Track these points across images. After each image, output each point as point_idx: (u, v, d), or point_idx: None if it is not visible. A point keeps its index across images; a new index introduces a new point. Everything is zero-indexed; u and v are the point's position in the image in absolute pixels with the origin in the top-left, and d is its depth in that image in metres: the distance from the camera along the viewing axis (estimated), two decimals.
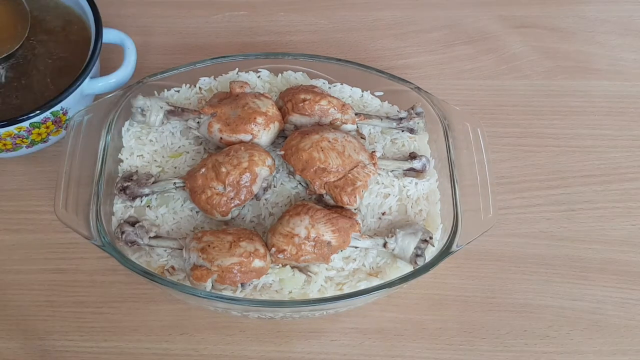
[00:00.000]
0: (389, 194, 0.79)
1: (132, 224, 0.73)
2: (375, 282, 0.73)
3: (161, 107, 0.80)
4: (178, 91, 0.86)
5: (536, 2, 1.13)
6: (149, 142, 0.82)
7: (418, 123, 0.83)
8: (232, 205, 0.73)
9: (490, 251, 0.86)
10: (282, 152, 0.76)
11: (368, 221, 0.77)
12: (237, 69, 0.87)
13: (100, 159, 0.76)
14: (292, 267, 0.73)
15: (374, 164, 0.76)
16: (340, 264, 0.74)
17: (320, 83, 0.87)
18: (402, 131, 0.84)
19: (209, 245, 0.70)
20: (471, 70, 1.04)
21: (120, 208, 0.77)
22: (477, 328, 0.81)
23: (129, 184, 0.76)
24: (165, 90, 0.86)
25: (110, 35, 0.87)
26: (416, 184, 0.80)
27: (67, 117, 0.84)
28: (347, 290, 0.73)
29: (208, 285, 0.70)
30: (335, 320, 0.81)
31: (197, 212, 0.77)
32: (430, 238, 0.74)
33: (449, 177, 0.77)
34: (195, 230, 0.75)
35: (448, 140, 0.80)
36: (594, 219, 0.89)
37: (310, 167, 0.74)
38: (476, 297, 0.83)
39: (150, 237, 0.73)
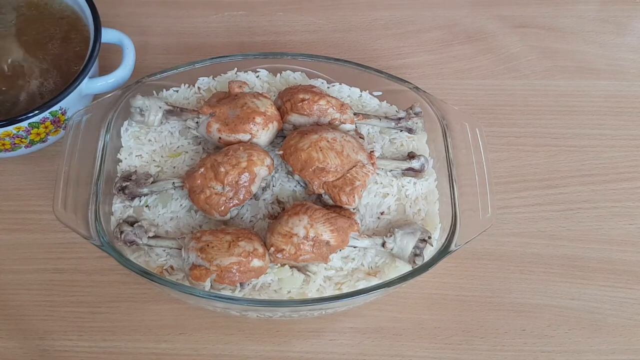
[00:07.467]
0: (388, 194, 0.79)
1: (131, 224, 0.73)
2: (374, 281, 0.73)
3: (160, 107, 0.80)
4: (177, 91, 0.86)
5: (535, 2, 1.13)
6: (147, 142, 0.82)
7: (417, 123, 0.83)
8: (231, 205, 0.73)
9: (489, 251, 0.86)
10: (281, 152, 0.76)
11: (367, 221, 0.77)
12: (235, 69, 0.87)
13: (99, 159, 0.76)
14: (291, 267, 0.73)
15: (373, 164, 0.77)
16: (339, 263, 0.75)
17: (318, 83, 0.87)
18: (401, 131, 0.84)
19: (207, 245, 0.70)
20: (470, 70, 1.04)
21: (119, 208, 0.77)
22: (475, 327, 0.81)
23: (128, 183, 0.76)
24: (164, 90, 0.86)
25: (109, 35, 0.87)
26: (415, 183, 0.80)
27: (66, 117, 0.84)
28: (345, 289, 0.73)
29: (207, 284, 0.70)
30: (334, 319, 0.81)
31: (196, 211, 0.77)
32: (429, 237, 0.74)
33: (448, 177, 0.77)
34: (194, 230, 0.75)
35: (447, 140, 0.80)
36: (592, 219, 0.90)
37: (309, 166, 0.74)
38: (475, 296, 0.83)
39: (149, 237, 0.73)
